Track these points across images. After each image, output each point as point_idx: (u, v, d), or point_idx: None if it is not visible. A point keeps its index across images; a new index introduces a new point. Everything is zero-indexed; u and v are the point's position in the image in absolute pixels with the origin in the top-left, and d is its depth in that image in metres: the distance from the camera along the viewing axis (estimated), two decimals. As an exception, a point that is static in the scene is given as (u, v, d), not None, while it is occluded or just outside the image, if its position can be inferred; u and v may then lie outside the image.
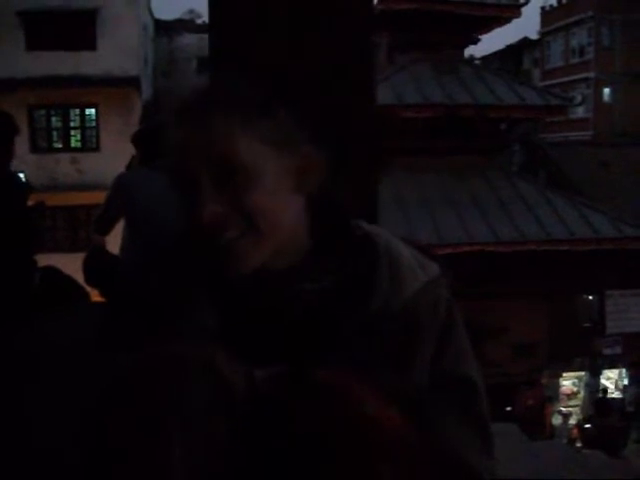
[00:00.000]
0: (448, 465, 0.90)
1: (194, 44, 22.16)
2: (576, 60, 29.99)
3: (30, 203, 3.48)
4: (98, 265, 3.46)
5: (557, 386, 15.87)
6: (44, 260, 3.67)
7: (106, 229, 3.63)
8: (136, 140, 3.68)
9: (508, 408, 13.00)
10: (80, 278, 3.68)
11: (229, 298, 0.92)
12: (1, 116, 3.50)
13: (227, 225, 0.87)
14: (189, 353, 0.79)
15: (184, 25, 22.95)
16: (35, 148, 18.50)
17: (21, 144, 3.50)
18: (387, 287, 0.94)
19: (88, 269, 3.47)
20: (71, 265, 3.77)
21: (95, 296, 3.67)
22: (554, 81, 29.42)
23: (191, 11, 24.44)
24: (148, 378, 0.77)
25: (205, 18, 23.33)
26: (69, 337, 2.65)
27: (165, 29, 22.59)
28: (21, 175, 3.91)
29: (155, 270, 1.02)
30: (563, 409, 15.71)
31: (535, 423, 12.55)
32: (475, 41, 16.39)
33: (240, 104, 0.90)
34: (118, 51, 18.58)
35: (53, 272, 3.57)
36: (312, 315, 0.91)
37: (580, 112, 28.39)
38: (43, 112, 19.43)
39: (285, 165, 0.91)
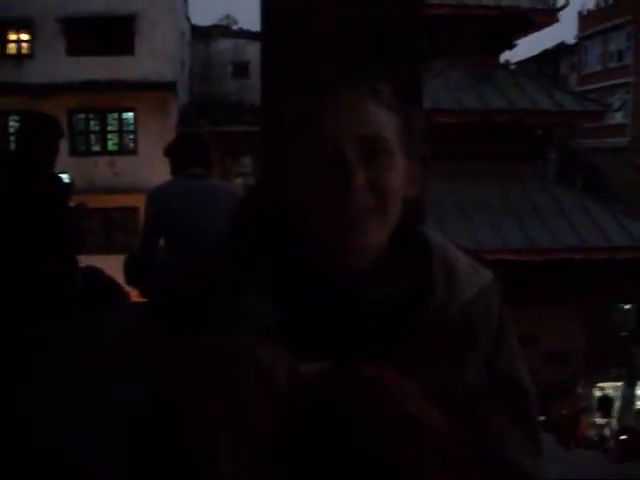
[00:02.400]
0: (495, 463, 0.91)
1: (230, 49, 22.34)
2: (614, 65, 29.53)
3: (72, 204, 3.55)
4: (138, 266, 3.51)
5: (593, 396, 15.60)
6: (82, 261, 3.74)
7: (149, 249, 3.57)
8: (168, 152, 3.72)
9: (542, 418, 12.83)
10: (117, 279, 3.74)
11: (301, 289, 0.94)
12: (48, 119, 3.59)
13: (364, 198, 0.91)
14: (232, 344, 0.81)
15: (220, 31, 23.14)
16: (74, 151, 18.81)
17: (61, 147, 3.58)
18: (444, 292, 0.97)
19: (128, 270, 3.53)
20: (107, 266, 3.83)
21: (135, 296, 3.73)
22: (592, 86, 28.99)
23: (227, 17, 24.66)
24: (191, 369, 0.79)
25: (241, 24, 23.53)
26: (113, 335, 2.71)
27: (202, 34, 22.80)
28: (64, 176, 3.98)
29: (205, 267, 1.05)
30: (598, 420, 15.44)
31: (569, 433, 12.35)
32: (511, 46, 16.26)
33: (371, 81, 0.95)
34: (155, 56, 18.83)
35: (95, 272, 3.64)
36: (381, 315, 0.93)
37: (618, 118, 27.93)
38: (82, 116, 19.76)
39: (408, 147, 0.96)
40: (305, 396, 0.77)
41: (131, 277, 3.50)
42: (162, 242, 3.57)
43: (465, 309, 0.97)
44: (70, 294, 3.28)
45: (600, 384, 15.40)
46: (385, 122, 0.94)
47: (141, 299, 3.57)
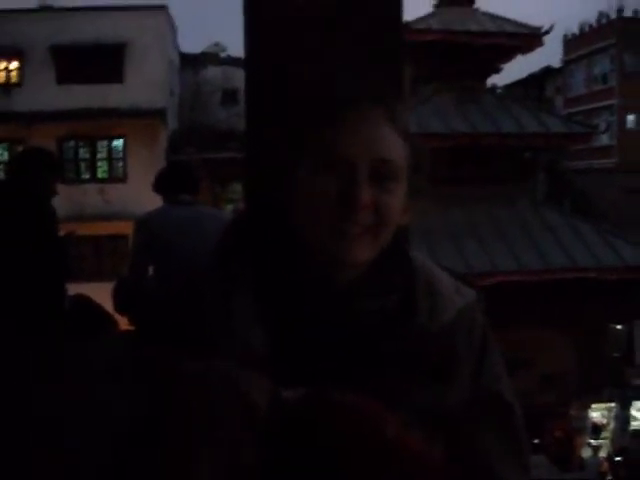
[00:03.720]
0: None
1: (218, 76, 22.52)
2: (599, 87, 29.93)
3: (61, 233, 3.56)
4: (127, 292, 3.50)
5: (586, 418, 15.57)
6: (71, 289, 3.73)
7: (138, 274, 3.60)
8: (157, 185, 3.72)
9: (536, 440, 12.77)
10: (107, 307, 3.73)
11: (286, 307, 0.94)
12: (48, 154, 3.64)
13: (365, 218, 0.92)
14: (212, 372, 0.81)
15: (209, 58, 23.33)
16: (63, 179, 18.79)
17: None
18: (426, 311, 0.98)
19: (117, 297, 3.51)
20: (97, 294, 3.82)
21: (124, 324, 3.71)
22: (577, 109, 29.35)
23: (216, 44, 24.85)
24: (171, 396, 0.79)
25: (229, 51, 23.73)
26: (98, 361, 2.69)
27: (191, 62, 22.99)
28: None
29: (190, 292, 1.04)
30: (592, 441, 15.38)
31: (564, 455, 12.30)
32: (497, 70, 16.47)
33: (388, 105, 0.97)
34: (145, 84, 18.94)
35: (83, 299, 3.63)
36: (364, 333, 0.94)
37: (604, 139, 28.23)
38: (72, 144, 19.80)
39: (410, 174, 0.98)
40: (286, 422, 0.77)
41: (120, 304, 3.49)
42: (151, 270, 3.56)
43: (447, 328, 0.97)
44: (58, 321, 3.27)
45: (594, 405, 15.38)
46: (396, 146, 0.95)
47: (129, 327, 3.55)
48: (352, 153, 0.92)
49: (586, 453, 14.85)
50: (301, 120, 0.98)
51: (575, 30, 31.81)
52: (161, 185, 3.69)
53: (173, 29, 22.00)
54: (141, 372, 0.98)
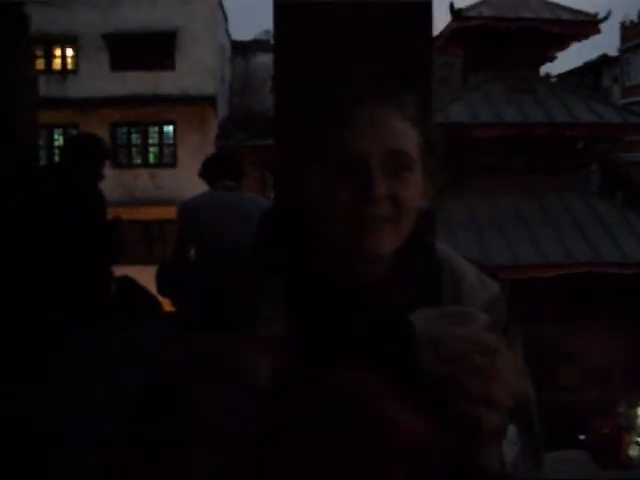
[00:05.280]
0: (489, 474, 0.91)
1: (269, 64, 22.56)
2: (659, 77, 29.00)
3: (109, 217, 3.65)
4: (170, 276, 3.58)
5: (635, 415, 15.22)
6: (122, 271, 3.82)
7: (181, 258, 3.68)
8: (202, 173, 3.79)
9: (582, 436, 12.55)
10: (152, 290, 3.81)
11: (314, 298, 0.96)
12: (96, 139, 3.73)
13: (382, 209, 0.94)
14: (216, 344, 0.84)
15: (260, 45, 23.42)
16: (116, 164, 19.19)
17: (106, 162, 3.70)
18: (451, 304, 0.98)
19: (160, 280, 3.59)
20: (147, 277, 3.90)
21: (167, 306, 3.79)
22: (636, 99, 28.48)
23: (267, 32, 24.92)
24: (180, 368, 0.81)
25: (280, 38, 23.63)
26: (140, 341, 2.76)
27: (241, 49, 23.11)
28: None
29: (226, 278, 1.07)
30: (641, 439, 15.03)
31: (610, 453, 12.07)
32: (551, 59, 16.09)
33: (399, 96, 0.98)
34: (196, 71, 19.13)
35: (128, 281, 3.72)
36: (389, 323, 0.95)
37: (663, 131, 27.35)
38: (124, 129, 20.17)
39: (427, 163, 0.98)
40: (285, 395, 0.79)
41: (163, 287, 3.56)
42: (193, 252, 3.63)
43: None
44: (104, 302, 3.36)
45: (643, 403, 15.01)
46: (409, 137, 0.96)
47: (172, 309, 3.63)
48: (364, 147, 0.94)
49: (634, 452, 14.53)
50: (316, 118, 1.00)
51: (633, 17, 30.84)
52: (206, 171, 3.76)
53: (224, 16, 22.14)
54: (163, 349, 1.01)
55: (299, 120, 1.07)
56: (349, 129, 0.95)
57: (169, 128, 20.09)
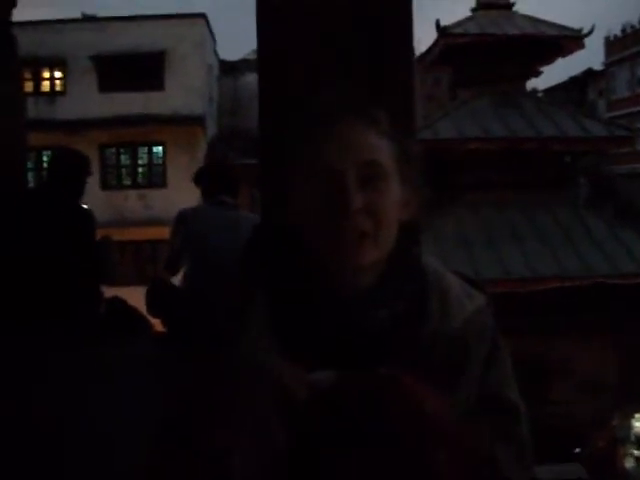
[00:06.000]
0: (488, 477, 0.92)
1: (257, 83, 22.67)
2: (644, 90, 29.31)
3: (97, 237, 3.62)
4: (160, 296, 3.56)
5: (629, 427, 15.20)
6: (112, 293, 3.79)
7: (175, 265, 3.73)
8: (196, 179, 3.81)
9: (577, 450, 12.52)
10: (142, 310, 3.78)
11: (299, 314, 0.97)
12: (79, 157, 3.70)
13: (360, 222, 0.94)
14: (246, 360, 0.83)
15: (248, 65, 23.54)
16: (105, 185, 19.18)
17: (92, 181, 3.68)
18: (437, 315, 0.99)
19: (150, 299, 3.57)
20: (137, 298, 3.88)
21: (158, 326, 3.76)
22: (621, 112, 28.77)
23: (255, 51, 25.06)
24: (207, 390, 0.81)
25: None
26: (129, 362, 2.75)
27: (229, 69, 23.24)
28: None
29: (218, 291, 1.08)
30: (636, 452, 15.01)
31: (605, 465, 12.04)
32: (537, 74, 16.25)
33: (370, 110, 1.00)
34: (185, 91, 19.21)
35: (118, 302, 3.70)
36: (375, 338, 0.95)
37: (649, 143, 27.61)
38: (113, 150, 20.19)
39: (404, 174, 0.99)
40: (324, 404, 0.78)
41: (152, 307, 3.55)
42: (184, 270, 3.62)
43: (457, 332, 0.99)
44: (93, 323, 3.34)
45: (637, 415, 15.00)
46: (382, 149, 0.98)
47: (163, 329, 3.60)
48: (338, 160, 0.95)
49: (629, 464, 14.50)
50: (294, 135, 1.02)
51: (617, 31, 31.25)
52: (203, 182, 3.75)
53: (212, 36, 22.27)
54: (170, 368, 1.01)
55: (280, 138, 1.08)
56: (325, 145, 0.96)
57: (158, 148, 20.14)
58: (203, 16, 20.69)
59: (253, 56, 25.32)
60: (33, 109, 16.47)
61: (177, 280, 3.80)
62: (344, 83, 1.09)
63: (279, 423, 0.77)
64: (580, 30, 15.25)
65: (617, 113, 28.54)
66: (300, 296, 0.97)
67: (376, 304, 0.97)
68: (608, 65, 31.68)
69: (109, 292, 3.78)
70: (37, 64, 18.90)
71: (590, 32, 15.23)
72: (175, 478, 0.76)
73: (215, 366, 0.87)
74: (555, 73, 29.13)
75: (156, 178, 20.09)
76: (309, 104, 1.02)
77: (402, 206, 0.99)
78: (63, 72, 19.93)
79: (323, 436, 0.76)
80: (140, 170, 20.39)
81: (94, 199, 3.76)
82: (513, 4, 15.53)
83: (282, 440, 0.76)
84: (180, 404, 0.83)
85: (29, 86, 18.70)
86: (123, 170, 20.36)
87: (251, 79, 23.02)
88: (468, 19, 15.10)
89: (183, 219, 3.66)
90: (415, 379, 0.82)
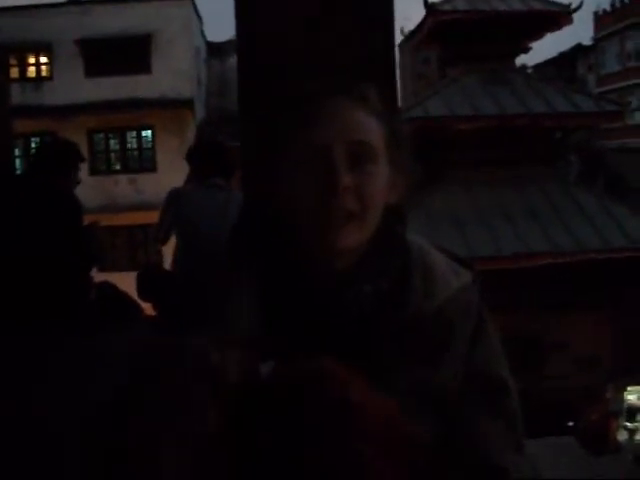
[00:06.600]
0: (473, 460, 0.91)
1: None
2: (632, 64, 29.26)
3: (85, 223, 3.61)
4: (151, 280, 3.56)
5: (622, 400, 15.36)
6: (105, 278, 3.79)
7: (163, 237, 3.74)
8: (189, 157, 3.79)
9: (571, 423, 12.66)
10: (133, 295, 3.78)
11: (286, 291, 0.97)
12: (69, 144, 3.68)
13: (348, 202, 0.93)
14: (185, 345, 0.83)
15: (235, 46, 23.36)
16: (94, 170, 19.06)
17: (82, 167, 3.65)
18: (422, 292, 0.99)
19: (141, 284, 3.57)
20: (130, 283, 3.88)
21: (149, 311, 3.76)
22: (611, 87, 28.75)
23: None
24: (146, 369, 0.81)
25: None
26: (115, 349, 2.75)
27: (217, 51, 23.05)
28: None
29: (205, 273, 1.09)
30: (629, 424, 15.18)
31: (599, 438, 12.18)
32: (526, 50, 16.19)
33: (360, 89, 0.98)
34: (172, 74, 19.05)
35: (108, 287, 3.69)
36: (359, 314, 0.96)
37: (638, 118, 27.64)
38: (102, 135, 20.05)
39: (392, 154, 0.98)
40: (258, 394, 0.79)
41: (143, 291, 3.54)
42: (174, 255, 3.61)
43: (442, 309, 0.99)
44: (83, 309, 3.33)
45: (630, 388, 15.14)
46: (372, 129, 0.96)
47: (153, 313, 3.61)
48: (327, 139, 0.94)
49: (622, 436, 14.66)
50: (282, 115, 1.00)
51: (606, 6, 31.14)
52: (195, 160, 3.72)
53: (199, 18, 22.06)
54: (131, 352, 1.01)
55: (263, 117, 1.07)
56: (311, 123, 0.95)
57: (147, 132, 20.00)
58: (189, -3, 20.49)
59: (241, 37, 25.15)
60: (19, 95, 16.29)
61: (167, 265, 3.79)
62: (336, 59, 1.07)
63: (214, 407, 0.77)
64: (569, 5, 15.19)
65: (607, 88, 28.51)
66: (286, 274, 0.97)
67: (359, 280, 0.97)
68: (597, 40, 31.60)
69: (101, 277, 3.77)
70: (22, 49, 18.68)
71: (579, 7, 15.17)
72: (114, 461, 0.76)
73: (159, 345, 0.86)
74: (544, 49, 28.99)
75: (146, 162, 19.98)
76: (298, 82, 1.01)
77: (389, 188, 0.98)
78: (49, 57, 19.71)
79: (256, 424, 0.77)
80: (129, 154, 20.28)
81: (83, 185, 3.73)
82: (501, -20, 15.40)
83: (215, 424, 0.76)
84: (124, 383, 0.83)
85: (15, 72, 18.50)
86: (112, 155, 20.25)
87: (239, 60, 22.89)
88: (456, -5, 14.98)
89: (174, 199, 3.65)
90: (350, 371, 0.81)
